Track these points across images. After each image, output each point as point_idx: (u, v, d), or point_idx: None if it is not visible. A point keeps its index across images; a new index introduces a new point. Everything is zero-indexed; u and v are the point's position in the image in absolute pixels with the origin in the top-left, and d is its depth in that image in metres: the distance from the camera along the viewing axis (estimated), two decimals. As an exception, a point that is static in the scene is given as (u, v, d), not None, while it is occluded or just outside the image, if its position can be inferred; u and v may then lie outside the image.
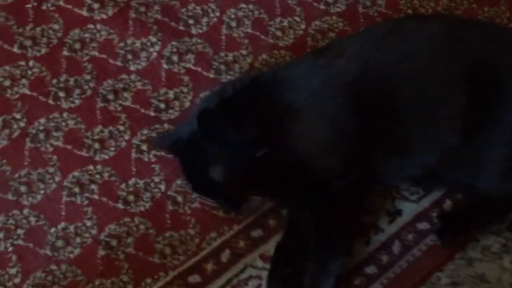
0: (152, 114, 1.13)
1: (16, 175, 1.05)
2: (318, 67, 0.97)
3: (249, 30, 1.22)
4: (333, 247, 0.99)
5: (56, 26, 1.14)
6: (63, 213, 1.05)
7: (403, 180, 1.07)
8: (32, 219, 1.04)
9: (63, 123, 1.09)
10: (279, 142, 0.93)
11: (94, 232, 1.05)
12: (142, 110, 1.13)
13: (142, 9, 1.17)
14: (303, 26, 1.24)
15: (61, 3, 1.15)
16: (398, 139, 0.97)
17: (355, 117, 0.94)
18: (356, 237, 1.06)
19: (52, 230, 1.04)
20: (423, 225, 1.09)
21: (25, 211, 1.04)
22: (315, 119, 0.96)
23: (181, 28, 1.19)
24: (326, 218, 0.99)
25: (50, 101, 1.10)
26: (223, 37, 1.21)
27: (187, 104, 1.14)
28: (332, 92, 0.96)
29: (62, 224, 1.04)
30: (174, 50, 1.17)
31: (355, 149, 0.96)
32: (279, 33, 1.23)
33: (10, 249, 1.02)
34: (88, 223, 1.05)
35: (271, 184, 0.97)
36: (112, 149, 1.09)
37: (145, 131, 1.11)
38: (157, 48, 1.16)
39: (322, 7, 1.26)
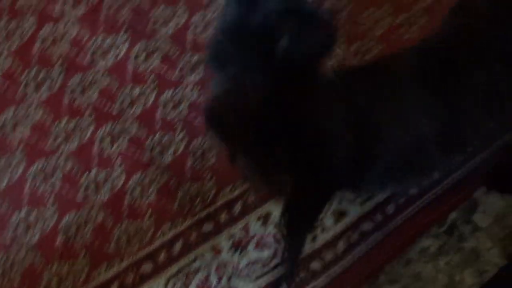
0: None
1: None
2: None
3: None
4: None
5: (30, 20, 1.18)
6: (26, 200, 1.10)
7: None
8: (-3, 203, 1.09)
9: (31, 113, 1.14)
10: None
11: (54, 218, 1.10)
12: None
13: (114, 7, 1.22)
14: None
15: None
16: None
17: None
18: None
19: (16, 214, 1.09)
20: (366, 226, 1.14)
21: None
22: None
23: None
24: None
25: (20, 92, 1.15)
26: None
27: (151, 101, 1.19)
28: None
29: (25, 209, 1.09)
30: (142, 49, 1.22)
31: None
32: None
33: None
34: (50, 210, 1.10)
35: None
36: (77, 140, 1.14)
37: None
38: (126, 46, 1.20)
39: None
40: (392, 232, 1.12)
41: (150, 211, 1.12)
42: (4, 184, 1.10)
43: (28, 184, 1.10)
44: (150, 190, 1.13)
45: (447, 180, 1.22)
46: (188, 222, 1.12)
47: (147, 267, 1.08)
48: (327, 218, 1.12)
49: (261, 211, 1.15)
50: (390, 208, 1.14)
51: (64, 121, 1.15)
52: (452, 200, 1.21)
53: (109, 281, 1.05)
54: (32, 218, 1.09)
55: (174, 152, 1.15)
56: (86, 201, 1.11)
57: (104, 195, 1.12)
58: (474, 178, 1.23)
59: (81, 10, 1.20)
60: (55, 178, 1.11)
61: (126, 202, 1.12)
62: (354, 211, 1.16)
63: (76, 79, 1.17)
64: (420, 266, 1.08)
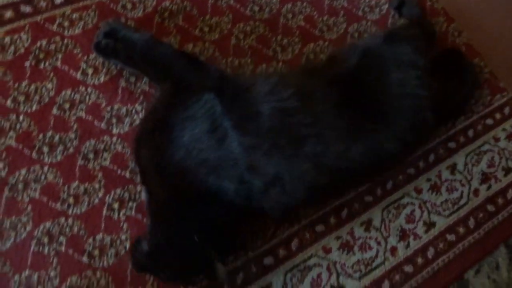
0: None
1: (-10, 221, 1.07)
2: None
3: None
4: None
5: (49, 85, 1.19)
6: (29, 262, 1.06)
7: None
8: (-2, 265, 1.05)
9: (43, 176, 1.12)
10: None
11: (56, 282, 1.06)
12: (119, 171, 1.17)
13: (132, 79, 1.24)
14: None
15: (58, 64, 1.21)
16: None
17: None
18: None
19: (16, 277, 1.04)
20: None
21: (-7, 257, 1.05)
22: None
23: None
24: None
25: (34, 155, 1.13)
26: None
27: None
28: None
29: (27, 271, 1.05)
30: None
31: None
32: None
33: (-28, 292, 1.02)
34: (52, 273, 1.06)
35: None
36: (86, 204, 1.12)
37: (118, 191, 1.15)
38: (140, 115, 1.22)
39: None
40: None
41: (152, 279, 1.10)
42: (8, 245, 1.06)
43: (32, 247, 1.07)
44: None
45: (437, 261, 1.26)
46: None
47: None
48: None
49: (261, 282, 1.15)
50: None
51: (74, 185, 1.13)
52: (442, 281, 1.25)
53: None
54: (33, 281, 1.05)
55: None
56: (90, 265, 1.08)
57: (108, 260, 1.10)
58: (464, 259, 1.28)
59: (101, 78, 1.22)
60: (60, 241, 1.09)
61: (130, 268, 1.10)
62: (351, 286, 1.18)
63: (89, 144, 1.17)
64: None
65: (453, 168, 1.37)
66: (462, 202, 1.34)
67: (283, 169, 0.99)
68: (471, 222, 1.32)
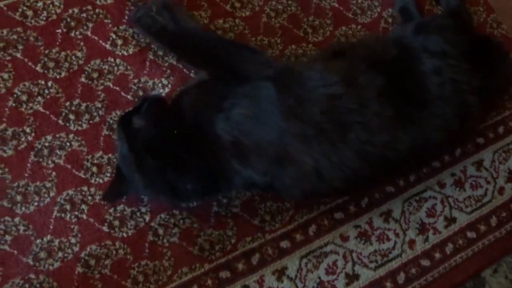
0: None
1: (15, 184, 1.07)
2: None
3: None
4: None
5: (79, 54, 1.18)
6: (51, 227, 1.07)
7: None
8: (21, 227, 1.05)
9: (68, 143, 1.12)
10: None
11: (76, 249, 1.07)
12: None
13: (160, 52, 1.22)
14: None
15: (88, 33, 1.19)
16: None
17: None
18: None
19: (38, 241, 1.06)
20: (377, 291, 1.15)
21: (16, 219, 1.06)
22: None
23: (192, 75, 1.23)
24: None
25: (60, 121, 1.13)
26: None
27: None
28: None
29: (48, 237, 1.06)
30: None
31: None
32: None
33: (-5, 252, 1.03)
34: (72, 240, 1.07)
35: None
36: (108, 174, 1.12)
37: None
38: (166, 90, 1.20)
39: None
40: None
41: (170, 252, 1.10)
42: (32, 208, 1.07)
43: (55, 212, 1.08)
44: (173, 232, 1.12)
45: (455, 257, 1.23)
46: (205, 268, 1.11)
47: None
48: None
49: (277, 265, 1.14)
50: None
51: (98, 154, 1.13)
52: (458, 278, 1.22)
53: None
54: (54, 245, 1.06)
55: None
56: (109, 235, 1.09)
57: (127, 231, 1.10)
58: (483, 257, 1.25)
59: (130, 49, 1.20)
60: (82, 208, 1.09)
61: (148, 240, 1.10)
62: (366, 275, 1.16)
63: (115, 115, 1.16)
64: None
65: (479, 165, 1.33)
66: (485, 199, 1.30)
67: (324, 156, 0.97)
68: (493, 221, 1.28)
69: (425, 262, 1.22)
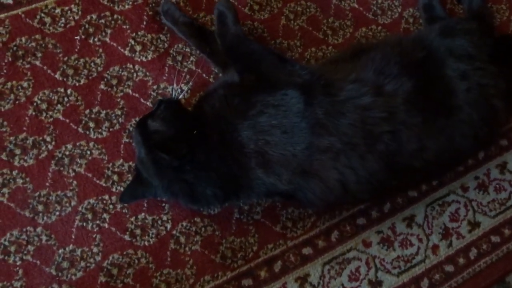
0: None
1: (36, 194, 1.06)
2: None
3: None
4: None
5: (98, 60, 1.15)
6: (73, 237, 1.05)
7: None
8: (44, 237, 1.04)
9: (88, 152, 1.10)
10: None
11: (98, 258, 1.05)
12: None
13: (179, 58, 1.19)
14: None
15: (107, 39, 1.16)
16: None
17: None
18: None
19: (60, 251, 1.04)
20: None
21: (38, 229, 1.04)
22: None
23: (211, 80, 1.20)
24: None
25: (80, 129, 1.11)
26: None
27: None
28: None
29: (71, 246, 1.05)
30: (201, 99, 1.19)
31: None
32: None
33: (18, 263, 1.02)
34: (95, 249, 1.05)
35: None
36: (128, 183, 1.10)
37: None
38: (186, 96, 1.17)
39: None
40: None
41: (192, 261, 1.08)
42: (53, 218, 1.05)
43: (76, 221, 1.06)
44: (195, 239, 1.10)
45: (479, 262, 1.20)
46: (228, 276, 1.09)
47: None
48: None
49: (300, 272, 1.12)
50: None
51: (119, 162, 1.11)
52: (483, 283, 1.19)
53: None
54: (76, 255, 1.04)
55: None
56: (131, 244, 1.07)
57: (149, 240, 1.08)
58: (508, 262, 1.21)
59: (149, 55, 1.17)
60: (104, 217, 1.07)
61: (169, 249, 1.08)
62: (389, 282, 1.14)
63: (135, 122, 1.13)
64: None
65: (503, 167, 1.29)
66: (510, 203, 1.27)
67: (351, 169, 0.95)
68: (518, 225, 1.25)
69: (449, 268, 1.18)
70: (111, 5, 1.18)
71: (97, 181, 1.09)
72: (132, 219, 1.09)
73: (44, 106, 1.10)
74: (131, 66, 1.16)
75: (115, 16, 1.17)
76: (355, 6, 1.32)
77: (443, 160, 1.01)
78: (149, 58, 1.17)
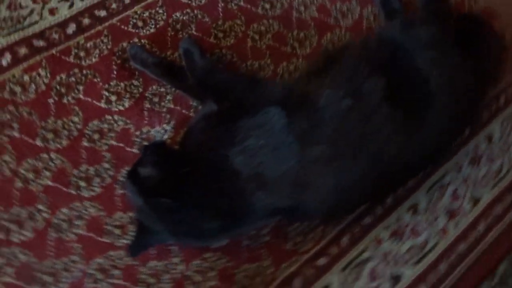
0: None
1: (41, 266, 1.02)
2: None
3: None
4: None
5: (76, 119, 1.13)
6: (87, 301, 1.02)
7: None
8: (58, 309, 1.00)
9: (85, 211, 1.07)
10: None
11: (115, 317, 1.02)
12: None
13: (156, 99, 1.18)
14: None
15: (81, 96, 1.14)
16: None
17: None
18: None
19: (76, 317, 1.00)
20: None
21: (50, 302, 1.00)
22: None
23: (192, 114, 1.19)
24: None
25: (72, 191, 1.08)
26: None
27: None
28: None
29: (85, 311, 1.01)
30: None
31: None
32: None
33: None
34: (111, 309, 1.02)
35: None
36: (132, 233, 1.07)
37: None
38: (170, 135, 1.16)
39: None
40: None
41: None
42: (64, 287, 1.01)
43: (86, 284, 1.03)
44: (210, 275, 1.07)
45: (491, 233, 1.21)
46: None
47: None
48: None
49: (320, 283, 1.11)
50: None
51: (118, 215, 1.08)
52: (496, 255, 1.20)
53: None
54: None
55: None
56: None
57: (165, 286, 1.05)
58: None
59: (125, 103, 1.16)
60: (114, 274, 1.04)
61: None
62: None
63: (125, 171, 1.11)
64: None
65: (489, 139, 1.31)
66: (502, 173, 1.28)
67: (343, 172, 0.95)
68: (517, 191, 1.26)
69: (462, 247, 1.19)
70: (78, 61, 1.16)
71: (100, 239, 1.06)
72: (143, 269, 1.06)
73: (31, 175, 1.07)
74: (110, 117, 1.14)
75: (84, 71, 1.16)
76: (315, 16, 1.34)
77: (431, 147, 1.02)
78: (127, 106, 1.16)
